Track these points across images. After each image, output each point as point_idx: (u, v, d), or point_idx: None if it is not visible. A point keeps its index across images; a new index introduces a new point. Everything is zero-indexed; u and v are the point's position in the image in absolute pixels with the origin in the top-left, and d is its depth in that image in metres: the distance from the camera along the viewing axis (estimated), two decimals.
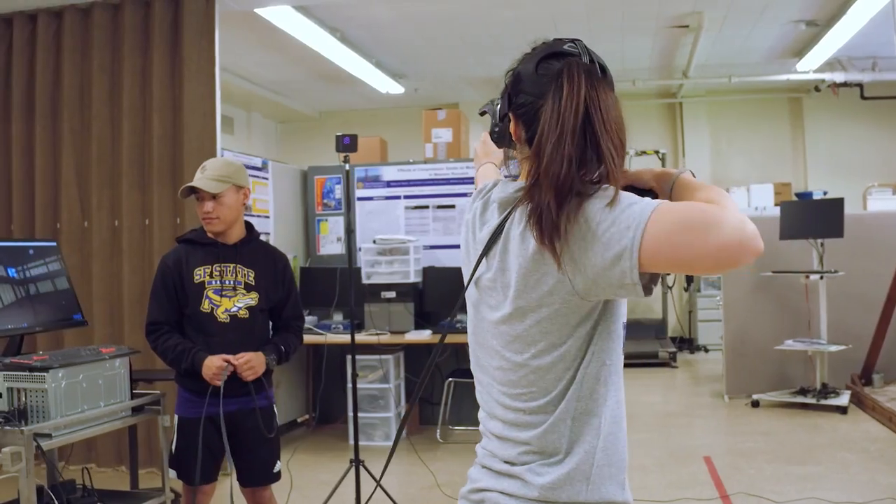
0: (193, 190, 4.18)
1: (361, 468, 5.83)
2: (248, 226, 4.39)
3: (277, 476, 4.40)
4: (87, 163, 7.26)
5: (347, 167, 6.19)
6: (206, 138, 6.98)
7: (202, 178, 4.20)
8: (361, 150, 9.10)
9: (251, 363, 4.11)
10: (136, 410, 4.38)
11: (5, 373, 3.84)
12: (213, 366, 4.04)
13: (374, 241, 8.24)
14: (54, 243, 4.67)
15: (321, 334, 8.04)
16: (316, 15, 8.80)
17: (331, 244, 8.84)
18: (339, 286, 8.07)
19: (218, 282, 4.17)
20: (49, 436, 3.80)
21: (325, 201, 8.89)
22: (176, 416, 4.28)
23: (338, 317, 8.52)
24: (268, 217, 8.27)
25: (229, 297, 4.18)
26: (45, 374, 3.81)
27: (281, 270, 4.37)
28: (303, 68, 11.02)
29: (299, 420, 8.88)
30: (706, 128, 13.77)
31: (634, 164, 13.03)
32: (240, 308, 4.19)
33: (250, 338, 4.21)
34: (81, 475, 4.45)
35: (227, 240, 4.24)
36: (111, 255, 7.17)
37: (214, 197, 4.15)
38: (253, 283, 4.22)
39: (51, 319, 4.43)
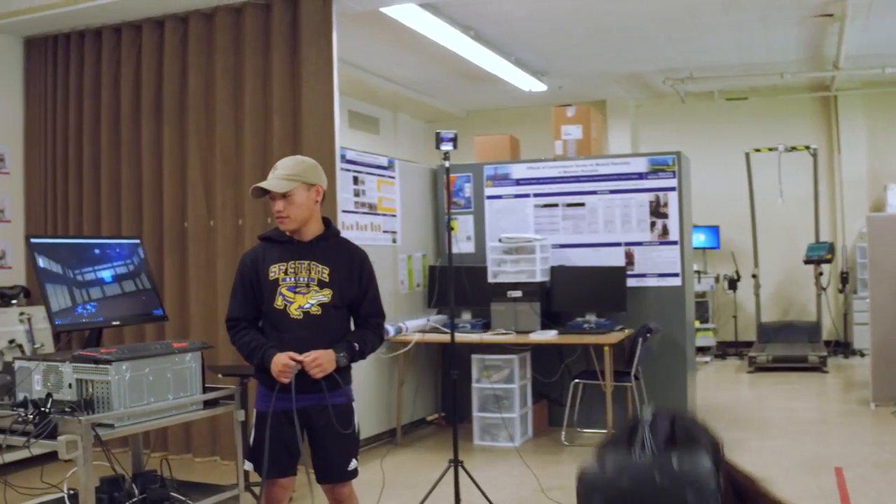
0: (265, 190, 4.20)
1: (459, 469, 5.76)
2: (326, 222, 4.38)
3: (353, 474, 4.36)
4: (211, 163, 7.43)
5: (448, 164, 6.08)
6: (325, 138, 7.03)
7: (271, 177, 4.23)
8: (491, 149, 9.11)
9: (318, 361, 4.08)
10: (211, 404, 4.42)
11: (74, 364, 3.95)
12: (280, 363, 4.05)
13: (500, 240, 8.17)
14: (138, 240, 4.76)
15: (448, 333, 7.99)
16: (446, 13, 8.75)
17: (461, 243, 8.80)
18: (467, 285, 8.02)
19: (292, 279, 4.17)
20: (111, 426, 3.87)
21: (455, 200, 8.85)
22: (255, 410, 4.32)
23: (466, 316, 8.48)
24: (395, 216, 8.29)
25: (303, 293, 4.18)
26: (109, 366, 3.88)
27: (357, 267, 4.33)
28: (443, 68, 11.01)
29: (429, 419, 8.87)
30: (863, 122, 13.06)
31: (784, 161, 12.52)
32: (312, 305, 4.17)
33: (323, 335, 4.19)
34: (160, 465, 4.53)
35: (303, 237, 4.25)
36: (235, 254, 7.29)
37: (284, 196, 4.16)
38: (327, 280, 4.20)
39: (129, 314, 4.52)
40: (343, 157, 7.48)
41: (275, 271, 4.18)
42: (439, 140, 5.99)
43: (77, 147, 8.07)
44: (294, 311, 4.16)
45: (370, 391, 7.67)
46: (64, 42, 8.16)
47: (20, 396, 4.06)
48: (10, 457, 4.16)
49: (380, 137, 12.75)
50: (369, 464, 6.86)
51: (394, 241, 8.28)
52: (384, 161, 8.29)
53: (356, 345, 4.23)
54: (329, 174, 6.93)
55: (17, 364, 4.13)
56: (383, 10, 7.98)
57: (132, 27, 7.80)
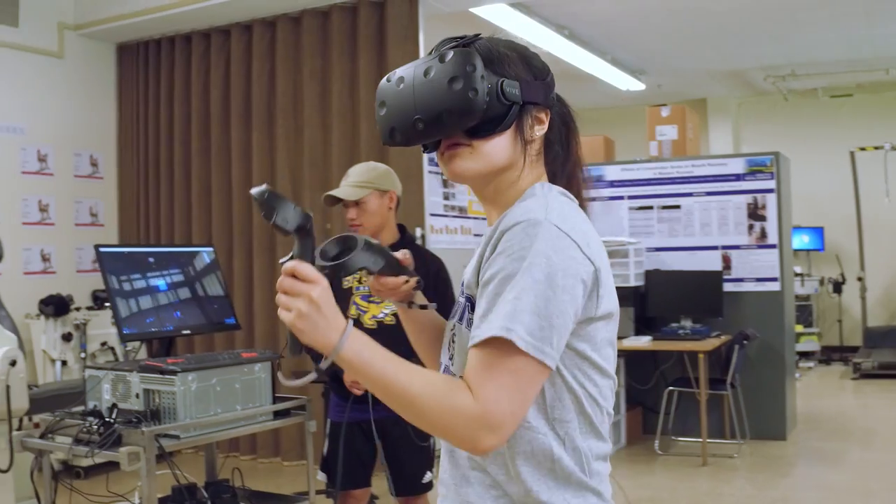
0: (338, 198, 4.14)
1: None
2: (402, 229, 4.29)
3: (428, 486, 4.26)
4: (299, 166, 7.41)
5: None
6: None
7: (344, 184, 4.15)
8: (584, 150, 8.84)
9: None
10: (281, 414, 4.35)
11: (141, 374, 3.90)
12: None
13: None
14: (211, 248, 4.71)
15: None
16: (538, 13, 8.60)
17: None
18: None
19: (365, 287, 4.09)
20: (177, 437, 3.82)
21: None
22: (328, 421, 4.25)
23: None
24: (485, 219, 8.14)
25: (377, 303, 4.10)
26: (175, 377, 3.83)
27: (433, 274, 4.22)
28: None
29: None
30: None
31: (891, 160, 12.01)
32: (386, 314, 4.08)
33: (397, 344, 4.00)
34: (232, 474, 4.48)
35: None
36: None
37: (357, 203, 4.08)
38: None
39: (200, 323, 4.47)
40: (432, 159, 7.38)
41: (348, 280, 4.11)
42: None
43: (168, 152, 8.13)
44: (368, 321, 4.08)
45: None
46: (155, 48, 8.24)
47: (90, 405, 4.03)
48: (85, 462, 4.14)
49: None
50: None
51: None
52: None
53: None
54: (417, 178, 6.91)
55: (87, 372, 4.11)
56: (473, 10, 7.87)
57: (221, 32, 7.84)
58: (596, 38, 9.77)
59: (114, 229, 8.43)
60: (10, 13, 7.52)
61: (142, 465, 3.58)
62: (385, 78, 1.76)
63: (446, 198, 7.63)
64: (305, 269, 1.57)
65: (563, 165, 1.87)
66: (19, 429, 4.46)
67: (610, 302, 1.68)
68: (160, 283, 4.34)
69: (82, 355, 7.09)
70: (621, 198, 8.39)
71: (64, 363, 7.04)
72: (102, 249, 4.20)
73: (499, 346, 1.53)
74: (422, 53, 6.95)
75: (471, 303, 1.72)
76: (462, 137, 1.72)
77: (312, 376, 1.77)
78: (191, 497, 4.26)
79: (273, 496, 4.69)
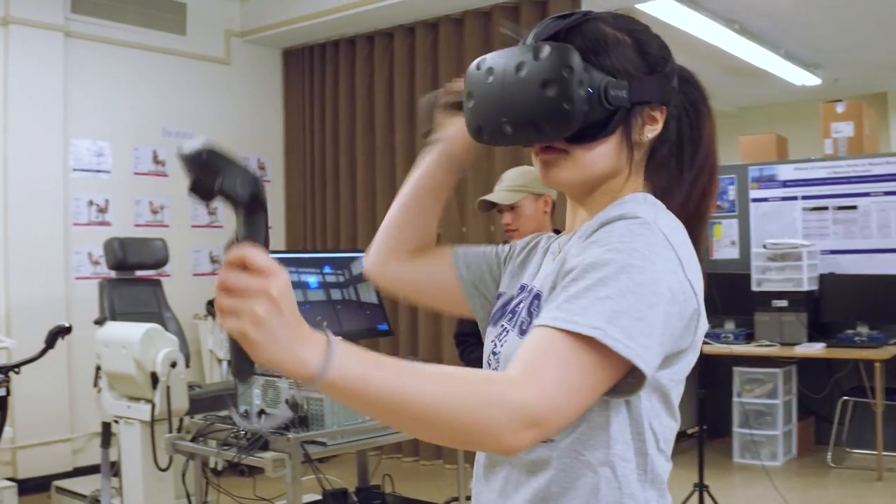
0: (493, 203, 4.08)
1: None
2: (558, 234, 4.19)
3: None
4: None
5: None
6: None
7: (498, 189, 4.11)
8: (756, 148, 8.61)
9: None
10: None
11: (290, 381, 3.92)
12: None
13: (765, 246, 7.70)
14: (363, 254, 4.70)
15: (709, 343, 7.60)
16: (706, 7, 8.33)
17: (725, 248, 8.35)
18: (729, 293, 7.61)
19: None
20: (324, 444, 3.82)
21: (719, 203, 8.41)
22: None
23: (729, 325, 8.04)
24: None
25: None
26: None
27: None
28: (709, 63, 10.53)
29: (689, 431, 8.46)
30: None
31: None
32: None
33: None
34: (383, 480, 4.48)
35: None
36: None
37: (512, 208, 4.02)
38: None
39: (352, 329, 4.46)
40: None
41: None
42: None
43: (334, 155, 8.23)
44: None
45: None
46: (320, 52, 8.36)
47: (242, 409, 4.07)
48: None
49: None
50: None
51: None
52: None
53: None
54: None
55: None
56: (638, 6, 7.68)
57: (384, 35, 7.88)
58: (768, 32, 9.41)
59: (281, 231, 8.59)
60: (179, 22, 7.75)
61: (287, 472, 3.59)
62: (474, 64, 1.54)
63: None
64: (260, 257, 1.15)
65: (692, 165, 1.59)
66: (179, 429, 4.54)
67: (701, 337, 1.46)
68: (315, 287, 4.36)
69: None
70: (794, 198, 8.05)
71: (229, 363, 7.18)
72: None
73: (578, 342, 1.26)
74: None
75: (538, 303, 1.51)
76: (558, 142, 1.48)
77: (287, 414, 1.18)
78: (341, 502, 4.27)
79: (422, 503, 4.67)
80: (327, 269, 4.39)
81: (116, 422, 5.15)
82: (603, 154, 1.49)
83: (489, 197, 4.08)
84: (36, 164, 6.80)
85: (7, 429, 5.62)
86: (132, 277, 6.44)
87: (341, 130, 8.17)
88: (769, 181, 8.16)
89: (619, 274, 1.30)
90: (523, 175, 4.11)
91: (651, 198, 1.51)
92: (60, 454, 6.82)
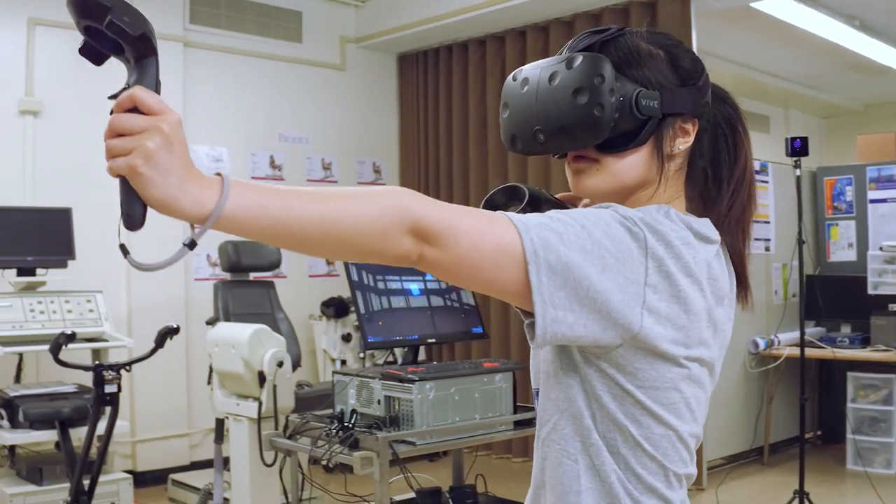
0: None
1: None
2: None
3: None
4: None
5: (798, 173, 5.64)
6: None
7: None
8: (874, 148, 8.41)
9: None
10: (523, 424, 4.37)
11: (383, 381, 4.04)
12: None
13: (882, 248, 7.52)
14: None
15: (823, 347, 7.47)
16: (824, 4, 8.17)
17: (842, 250, 8.19)
18: (845, 296, 7.48)
19: None
20: (413, 443, 3.92)
21: (836, 204, 8.25)
22: None
23: (845, 329, 7.88)
24: (768, 222, 7.85)
25: None
26: (413, 385, 3.94)
27: None
28: (831, 60, 10.31)
29: (807, 437, 8.32)
30: None
31: None
32: None
33: None
34: (476, 479, 4.55)
35: None
36: None
37: None
38: None
39: (447, 332, 4.56)
40: None
41: None
42: (790, 147, 5.59)
43: (447, 157, 8.35)
44: None
45: (735, 406, 7.32)
46: (433, 56, 8.48)
47: (338, 408, 4.21)
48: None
49: (770, 136, 12.17)
50: (730, 483, 6.57)
51: (767, 248, 7.83)
52: (756, 165, 7.85)
53: None
54: None
55: (335, 377, 4.30)
56: (754, 5, 7.58)
57: (496, 39, 7.96)
58: (890, 27, 9.18)
59: None
60: (295, 30, 7.96)
61: (374, 470, 3.70)
62: (511, 75, 1.60)
63: None
64: (151, 98, 1.13)
65: (729, 180, 1.60)
66: (286, 427, 4.69)
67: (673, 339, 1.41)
68: (413, 290, 4.46)
69: (361, 355, 7.38)
70: None
71: (343, 362, 7.36)
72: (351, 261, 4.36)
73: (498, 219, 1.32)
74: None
75: None
76: (590, 151, 1.53)
77: (183, 252, 1.20)
78: (434, 501, 4.37)
79: None
80: (411, 280, 4.49)
81: (228, 418, 5.36)
82: (634, 164, 1.52)
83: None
84: None
85: (126, 423, 5.90)
86: (246, 279, 6.66)
87: (455, 133, 8.28)
88: (888, 181, 7.97)
89: (570, 216, 1.35)
90: None
91: (672, 211, 1.49)
92: (178, 448, 7.09)
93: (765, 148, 10.24)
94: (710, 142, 1.60)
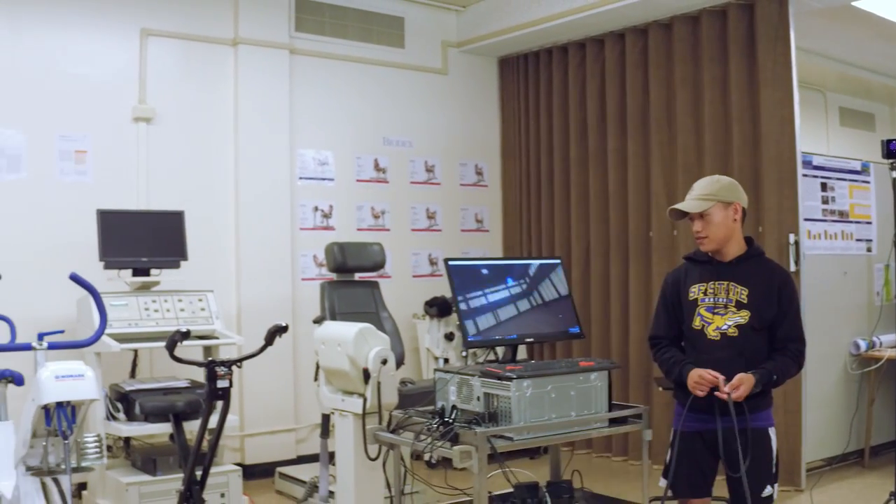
0: (684, 212, 4.20)
1: None
2: (749, 241, 4.27)
3: (768, 501, 4.17)
4: (673, 173, 7.43)
5: (893, 173, 5.61)
6: (785, 145, 6.76)
7: (688, 199, 4.21)
8: None
9: (736, 384, 3.96)
10: (618, 422, 4.44)
11: (482, 379, 4.16)
12: (696, 375, 3.99)
13: None
14: (558, 261, 4.89)
15: None
16: None
17: None
18: None
19: (710, 299, 4.13)
20: (510, 439, 4.03)
21: None
22: (672, 429, 4.30)
23: None
24: (869, 223, 7.76)
25: (721, 314, 4.10)
26: (511, 382, 4.04)
27: (777, 288, 4.15)
28: None
29: None
30: None
31: None
32: (729, 326, 4.08)
33: (740, 357, 4.07)
34: (572, 476, 4.63)
35: (724, 257, 4.18)
36: None
37: (702, 216, 4.13)
38: (745, 301, 4.08)
39: (544, 332, 4.65)
40: (809, 162, 7.14)
41: (694, 291, 4.17)
42: (886, 149, 5.57)
43: (548, 160, 8.44)
44: (711, 332, 4.09)
45: (835, 408, 7.26)
46: (533, 60, 8.58)
47: (439, 404, 4.33)
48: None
49: (875, 135, 11.96)
50: (827, 485, 6.52)
51: (868, 249, 7.75)
52: (857, 165, 7.79)
53: (775, 376, 4.06)
54: (790, 181, 6.72)
55: (436, 375, 4.42)
56: (855, 3, 7.50)
57: (595, 42, 8.02)
58: None
59: (498, 234, 8.85)
60: (397, 36, 8.15)
61: (473, 463, 3.81)
62: None
63: (825, 202, 7.34)
64: None
65: None
66: (389, 422, 4.81)
67: None
68: (512, 291, 4.58)
69: (463, 354, 7.49)
70: None
71: (446, 360, 7.48)
72: (452, 263, 4.50)
73: None
74: (793, 55, 6.75)
75: None
76: None
77: None
78: (532, 495, 4.47)
79: (611, 500, 4.79)
80: (510, 281, 4.59)
81: (334, 414, 5.51)
82: None
83: (680, 206, 4.19)
84: (265, 173, 7.32)
85: (235, 418, 6.11)
86: (352, 279, 6.82)
87: (555, 136, 8.36)
88: None
89: None
90: (713, 184, 4.21)
91: None
92: (285, 443, 7.31)
93: (868, 147, 10.09)
94: None
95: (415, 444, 4.05)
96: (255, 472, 6.96)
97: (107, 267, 6.07)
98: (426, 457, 6.79)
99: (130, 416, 5.58)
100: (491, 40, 8.36)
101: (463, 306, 4.39)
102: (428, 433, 4.04)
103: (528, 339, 4.60)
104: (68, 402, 3.67)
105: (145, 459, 5.68)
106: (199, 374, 6.09)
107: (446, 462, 5.88)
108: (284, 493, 6.69)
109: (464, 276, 4.47)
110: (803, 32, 6.96)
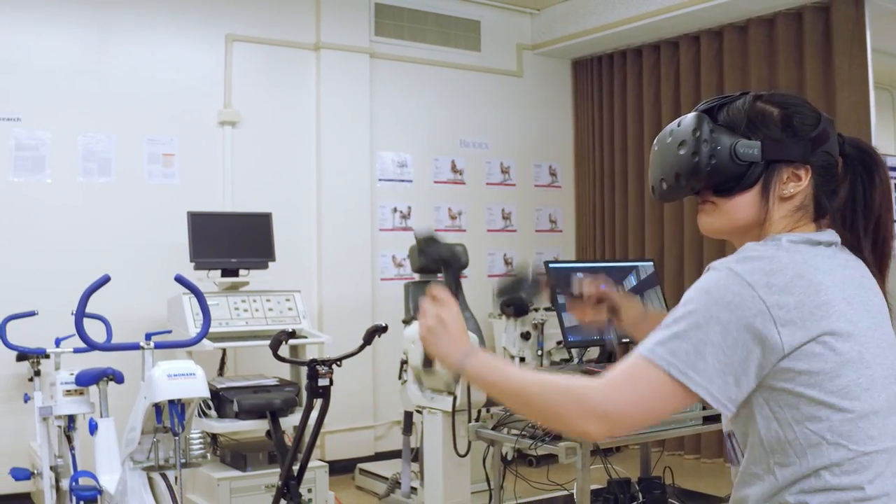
0: None
1: None
2: None
3: None
4: None
5: None
6: None
7: None
8: None
9: None
10: (712, 419, 4.48)
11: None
12: None
13: None
14: (650, 263, 4.94)
15: None
16: None
17: None
18: None
19: None
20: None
21: None
22: None
23: None
24: None
25: None
26: None
27: None
28: None
29: None
30: None
31: None
32: None
33: None
34: (663, 472, 4.68)
35: None
36: None
37: None
38: None
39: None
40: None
41: None
42: None
43: (622, 161, 8.47)
44: None
45: None
46: (607, 62, 8.63)
47: None
48: (534, 452, 4.45)
49: None
50: None
51: None
52: None
53: None
54: None
55: None
56: None
57: (669, 44, 8.05)
58: None
59: (571, 235, 8.91)
60: (473, 39, 8.24)
61: (577, 459, 3.88)
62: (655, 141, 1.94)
63: None
64: (440, 292, 1.95)
65: (865, 221, 1.83)
66: (477, 419, 4.89)
67: (809, 328, 1.61)
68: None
69: (539, 353, 7.55)
70: None
71: (522, 359, 7.54)
72: (552, 265, 4.59)
73: (645, 363, 1.63)
74: (869, 57, 6.75)
75: None
76: (710, 195, 1.83)
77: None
78: (624, 490, 4.53)
79: (702, 496, 4.84)
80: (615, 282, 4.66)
81: (419, 412, 5.59)
82: (743, 205, 1.80)
83: None
84: (346, 174, 7.45)
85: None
86: (434, 279, 6.90)
87: (629, 137, 8.40)
88: None
89: (685, 308, 1.65)
90: None
91: (784, 239, 1.74)
92: (364, 440, 7.42)
93: None
94: (849, 190, 1.83)
95: (520, 442, 4.12)
96: (335, 469, 7.03)
97: (197, 268, 6.20)
98: (531, 451, 6.84)
99: (221, 414, 5.69)
100: (565, 43, 8.42)
101: (558, 308, 4.46)
102: (531, 430, 4.10)
103: (625, 339, 4.66)
104: (179, 400, 3.76)
105: (235, 455, 5.78)
106: (286, 372, 6.24)
107: (541, 461, 5.96)
108: (365, 489, 6.79)
109: (563, 279, 4.54)
110: (878, 34, 6.94)
